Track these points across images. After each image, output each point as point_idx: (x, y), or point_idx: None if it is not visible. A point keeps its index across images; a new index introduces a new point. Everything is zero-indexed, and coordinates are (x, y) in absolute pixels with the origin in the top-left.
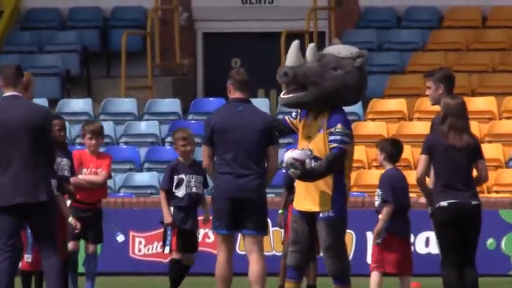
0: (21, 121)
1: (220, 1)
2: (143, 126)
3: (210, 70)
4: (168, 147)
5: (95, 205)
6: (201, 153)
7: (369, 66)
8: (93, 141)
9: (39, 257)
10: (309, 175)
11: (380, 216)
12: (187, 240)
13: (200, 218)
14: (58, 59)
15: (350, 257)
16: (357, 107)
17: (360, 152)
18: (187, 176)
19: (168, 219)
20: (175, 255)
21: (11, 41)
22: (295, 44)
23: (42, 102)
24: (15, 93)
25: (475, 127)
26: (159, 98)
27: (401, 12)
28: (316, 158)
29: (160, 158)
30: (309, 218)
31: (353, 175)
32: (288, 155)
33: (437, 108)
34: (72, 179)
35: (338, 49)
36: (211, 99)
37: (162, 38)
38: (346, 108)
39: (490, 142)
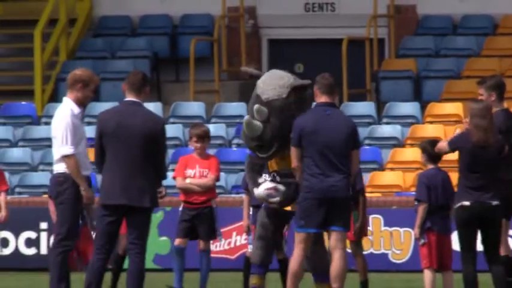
0: (139, 128)
1: (284, 9)
2: (211, 129)
3: None
4: (235, 148)
5: (205, 203)
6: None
7: (427, 71)
8: (199, 144)
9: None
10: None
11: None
12: None
13: None
14: (129, 65)
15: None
16: (415, 110)
17: (418, 154)
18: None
19: (245, 221)
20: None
21: (84, 48)
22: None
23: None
24: (135, 99)
25: None
26: (226, 102)
27: (457, 19)
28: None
29: (226, 159)
30: (281, 215)
31: (411, 176)
32: (259, 191)
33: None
34: (179, 184)
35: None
36: None
37: (229, 44)
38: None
39: None
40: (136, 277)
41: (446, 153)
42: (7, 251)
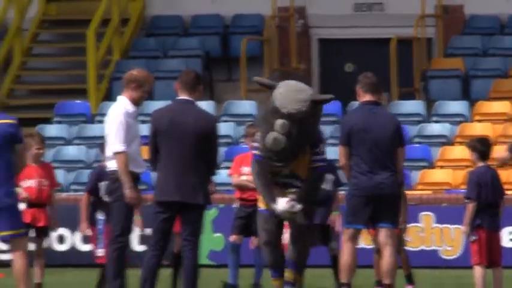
0: (192, 126)
1: (333, 9)
2: None
3: (325, 74)
4: None
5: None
6: (338, 153)
7: (475, 71)
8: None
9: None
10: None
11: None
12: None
13: None
14: (181, 64)
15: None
16: (464, 109)
17: (467, 152)
18: None
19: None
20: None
21: (137, 47)
22: None
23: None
24: (188, 98)
25: None
26: None
27: (505, 19)
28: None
29: None
30: (276, 215)
31: (460, 173)
32: (280, 205)
33: None
34: (234, 181)
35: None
36: None
37: (279, 43)
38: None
39: None
40: (190, 273)
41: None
42: (64, 248)
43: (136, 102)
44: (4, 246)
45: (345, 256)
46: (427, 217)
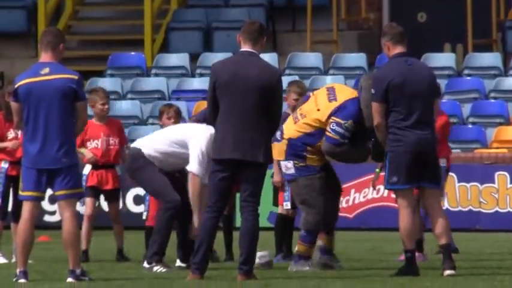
0: (255, 79)
1: None
2: (328, 81)
3: None
4: None
5: None
6: (372, 111)
7: None
8: None
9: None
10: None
11: None
12: None
13: None
14: (243, 13)
15: None
16: None
17: None
18: None
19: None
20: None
21: None
22: None
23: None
24: (251, 50)
25: None
26: (344, 53)
27: None
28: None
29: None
30: None
31: None
32: None
33: None
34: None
35: None
36: None
37: None
38: None
39: None
40: (250, 237)
41: None
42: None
43: None
44: (50, 208)
45: (402, 222)
46: (502, 177)
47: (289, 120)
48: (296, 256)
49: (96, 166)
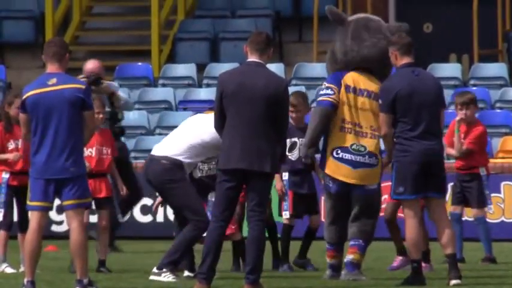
0: (261, 89)
1: None
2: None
3: None
4: None
5: None
6: (380, 121)
7: None
8: (463, 112)
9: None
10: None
11: None
12: (306, 204)
13: None
14: (250, 24)
15: None
16: None
17: None
18: (300, 139)
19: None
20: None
21: (203, 6)
22: None
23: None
24: (258, 60)
25: None
26: None
27: None
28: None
29: None
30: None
31: None
32: None
33: None
34: None
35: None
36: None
37: (354, 2)
38: None
39: None
40: (256, 246)
41: None
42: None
43: None
44: (58, 218)
45: (408, 232)
46: (508, 187)
47: None
48: (353, 265)
49: (89, 175)
